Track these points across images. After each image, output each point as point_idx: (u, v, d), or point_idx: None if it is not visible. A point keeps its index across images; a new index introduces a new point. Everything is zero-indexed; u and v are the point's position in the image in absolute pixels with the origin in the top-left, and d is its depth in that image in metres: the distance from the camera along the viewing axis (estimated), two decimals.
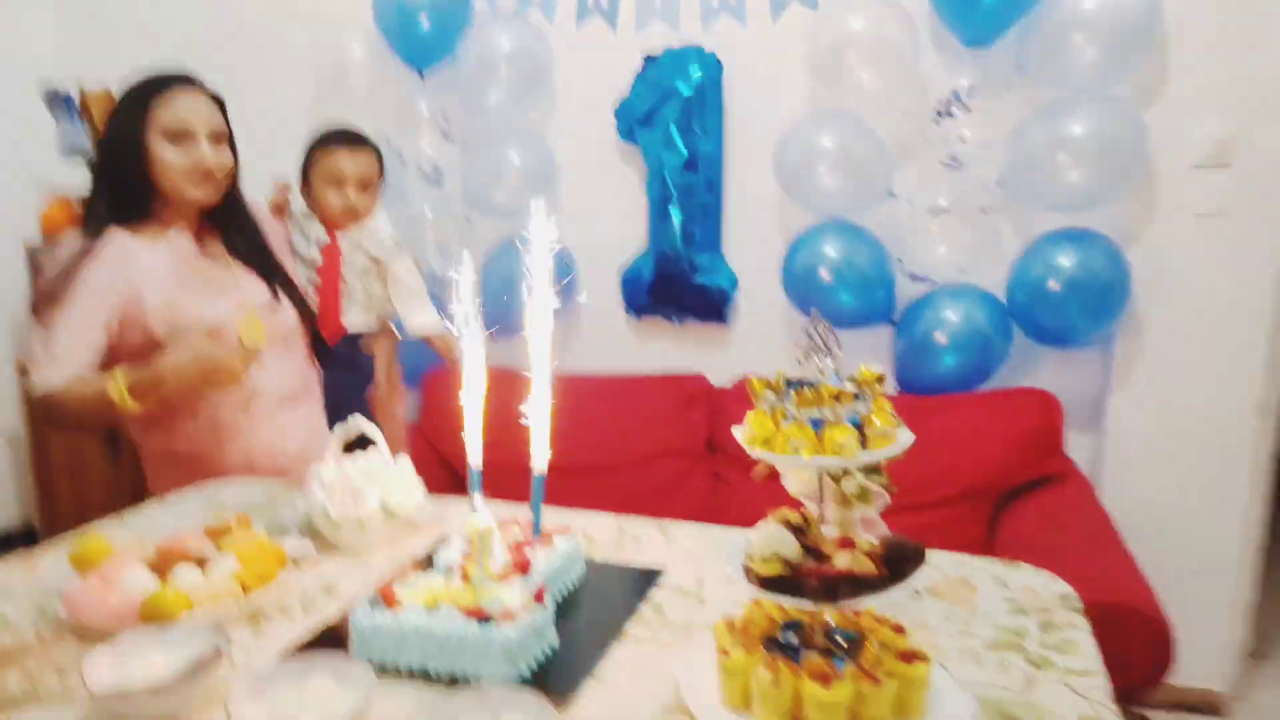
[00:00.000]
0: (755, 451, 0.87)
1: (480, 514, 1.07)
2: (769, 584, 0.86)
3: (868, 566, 0.86)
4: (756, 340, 2.61)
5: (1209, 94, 2.12)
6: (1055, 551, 1.49)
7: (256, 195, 1.88)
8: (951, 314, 2.23)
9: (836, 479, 0.99)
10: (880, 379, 0.88)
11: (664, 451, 2.38)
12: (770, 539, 0.91)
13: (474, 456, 1.22)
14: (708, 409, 2.45)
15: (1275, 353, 2.18)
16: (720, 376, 2.55)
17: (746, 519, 1.53)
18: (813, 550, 0.92)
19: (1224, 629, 2.27)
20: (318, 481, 1.30)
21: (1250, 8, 2.05)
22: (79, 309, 1.58)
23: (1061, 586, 1.18)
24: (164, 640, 0.95)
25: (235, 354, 1.52)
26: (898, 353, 2.31)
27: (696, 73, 2.41)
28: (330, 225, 1.96)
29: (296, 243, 1.95)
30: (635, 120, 2.48)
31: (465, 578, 1.06)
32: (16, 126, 2.91)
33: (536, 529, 1.19)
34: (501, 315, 2.89)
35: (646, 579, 1.20)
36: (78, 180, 2.84)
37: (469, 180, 2.59)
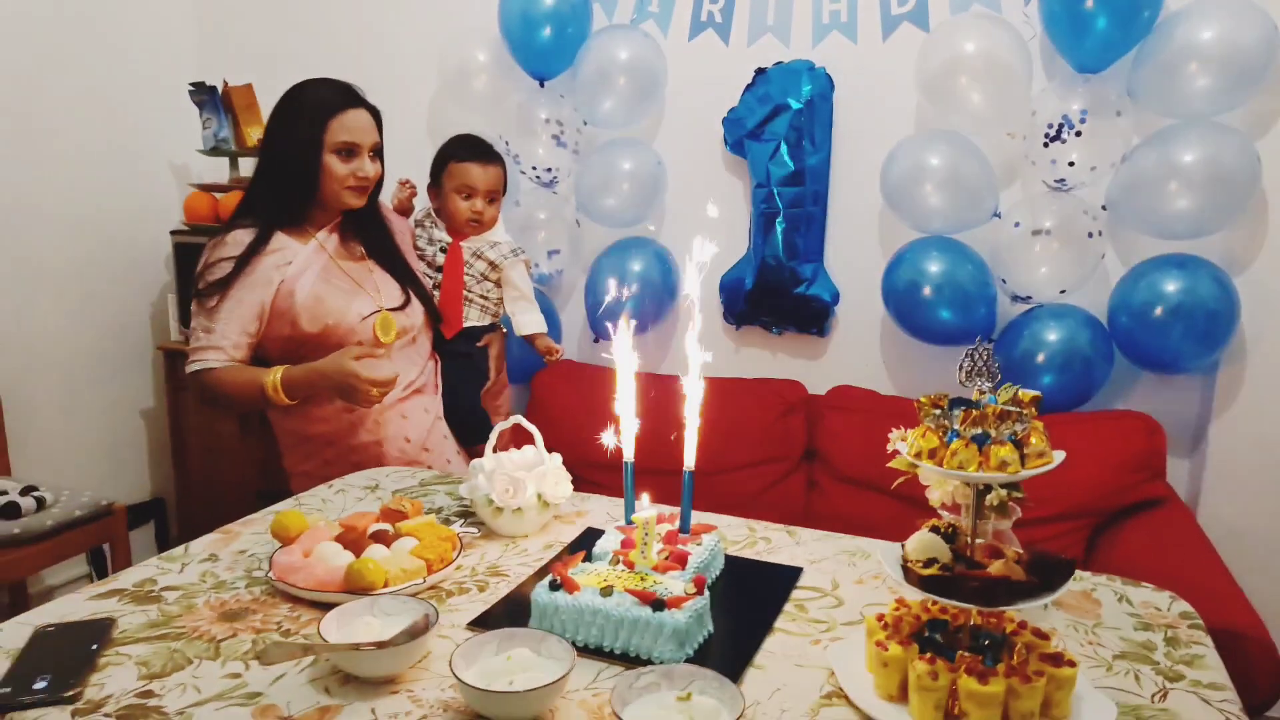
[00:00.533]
0: (923, 465, 0.95)
1: (646, 509, 1.18)
2: (928, 584, 0.94)
3: (1020, 574, 0.95)
4: (851, 352, 2.68)
5: None
6: (1161, 575, 1.53)
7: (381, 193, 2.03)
8: (1052, 334, 2.28)
9: (981, 492, 1.08)
10: (1038, 400, 0.96)
11: (763, 457, 2.47)
12: (925, 544, 1.00)
13: (629, 453, 1.33)
14: (806, 416, 2.53)
15: None
16: (815, 387, 2.63)
17: (841, 525, 1.62)
18: (962, 557, 1.01)
19: None
20: (481, 472, 1.42)
21: None
22: (242, 300, 1.75)
23: (1182, 605, 1.25)
24: (378, 609, 1.08)
25: (375, 382, 1.68)
26: None
27: (807, 87, 2.49)
28: (455, 231, 2.09)
29: (420, 243, 2.10)
30: (744, 132, 2.57)
31: (629, 565, 1.17)
32: (160, 120, 3.11)
33: (686, 526, 1.30)
34: (610, 318, 2.97)
35: (789, 576, 1.30)
36: (217, 171, 3.04)
37: (581, 185, 2.70)
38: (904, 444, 1.00)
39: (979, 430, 0.92)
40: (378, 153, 1.84)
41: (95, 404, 2.98)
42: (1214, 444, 2.35)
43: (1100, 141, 2.22)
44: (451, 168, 2.10)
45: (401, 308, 1.90)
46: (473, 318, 2.12)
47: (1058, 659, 0.97)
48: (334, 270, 1.84)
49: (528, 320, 2.19)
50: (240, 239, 1.77)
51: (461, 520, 1.46)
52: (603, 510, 1.57)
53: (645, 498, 1.24)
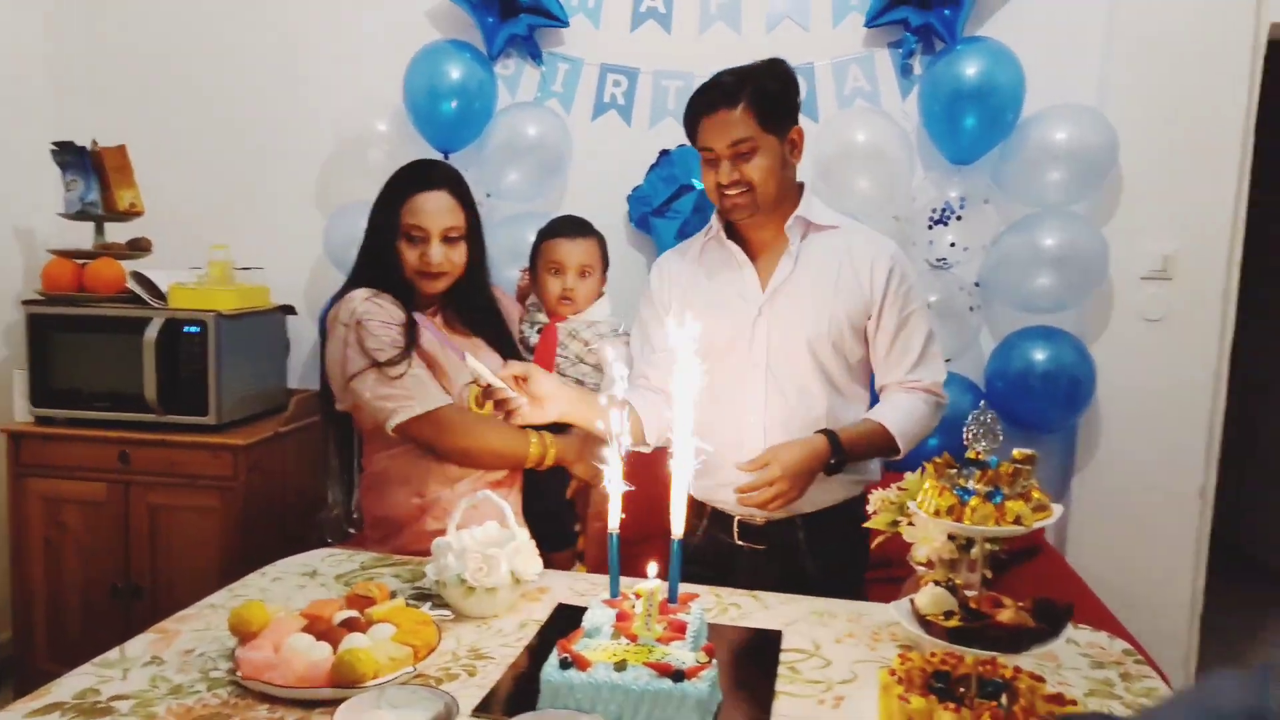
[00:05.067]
0: (943, 523, 1.01)
1: (651, 580, 1.18)
2: (955, 636, 1.00)
3: (1029, 621, 1.02)
4: None
5: (1156, 216, 2.47)
6: None
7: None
8: None
9: (968, 545, 1.15)
10: (1033, 458, 1.05)
11: None
12: (938, 598, 1.05)
13: (614, 524, 1.31)
14: None
15: (1212, 442, 2.51)
16: None
17: None
18: (966, 608, 1.07)
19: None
20: (450, 551, 1.36)
21: (1191, 147, 2.42)
22: (415, 361, 1.67)
23: (1121, 643, 1.37)
24: (385, 701, 1.01)
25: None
26: None
27: None
28: (551, 312, 1.97)
29: (524, 328, 1.98)
30: (649, 209, 2.66)
31: (632, 638, 1.16)
32: (12, 183, 2.85)
33: (674, 596, 1.29)
34: None
35: (772, 640, 1.32)
36: (76, 237, 2.79)
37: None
38: (913, 503, 1.06)
39: (993, 488, 0.99)
40: (461, 238, 1.75)
41: None
42: (1075, 495, 2.61)
43: (973, 225, 2.47)
44: (542, 246, 1.98)
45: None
46: None
47: (1060, 699, 1.04)
48: (444, 339, 1.75)
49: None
50: (386, 305, 1.69)
51: (428, 603, 1.39)
52: (563, 585, 1.54)
53: (652, 567, 1.24)
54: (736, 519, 1.74)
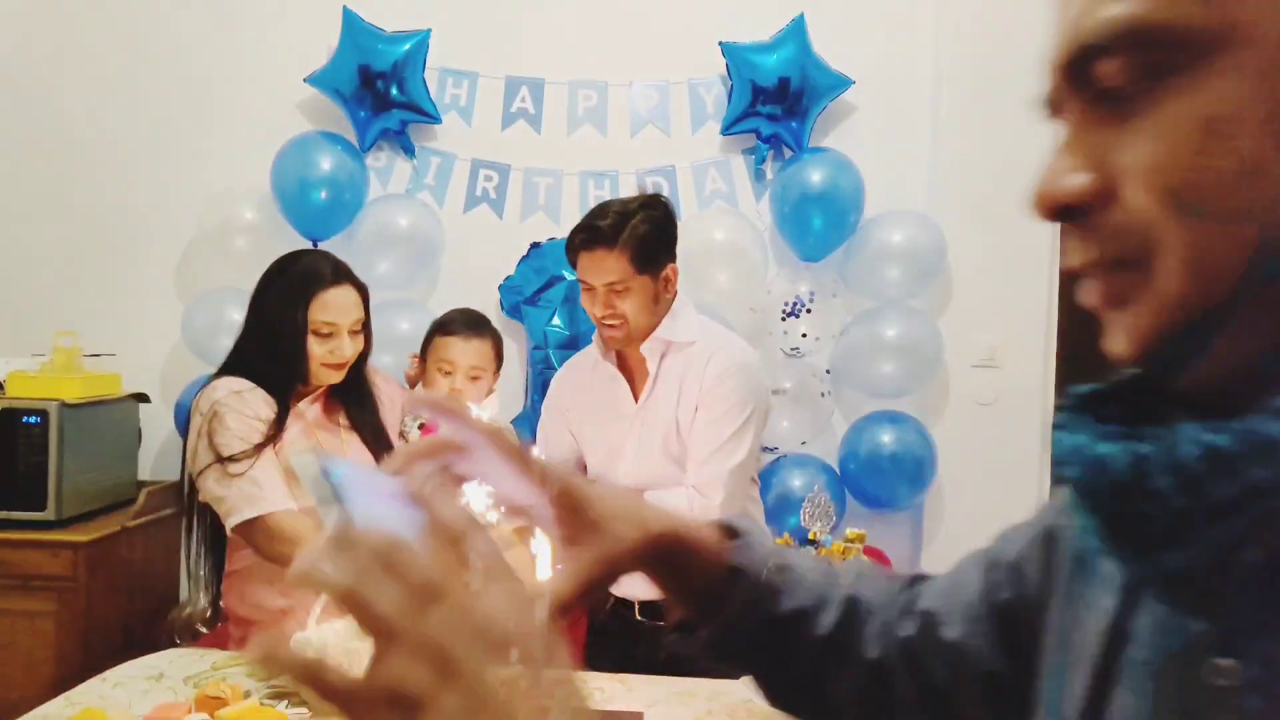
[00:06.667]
0: None
1: None
2: None
3: None
4: None
5: (982, 310, 2.73)
6: None
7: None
8: (797, 481, 2.60)
9: None
10: (863, 537, 1.16)
11: None
12: None
13: None
14: None
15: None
16: None
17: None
18: None
19: None
20: (310, 647, 1.34)
21: (1009, 250, 2.71)
22: (267, 455, 1.63)
23: None
24: None
25: None
26: None
27: None
28: None
29: (406, 421, 1.93)
30: (520, 299, 2.73)
31: None
32: None
33: None
34: None
35: None
36: None
37: None
38: None
39: None
40: (361, 329, 1.75)
41: None
42: (926, 567, 2.77)
43: (823, 317, 2.67)
44: (435, 342, 1.97)
45: None
46: None
47: None
48: (309, 439, 1.72)
49: None
50: (250, 398, 1.66)
51: (284, 702, 1.35)
52: None
53: None
54: (636, 601, 1.81)
